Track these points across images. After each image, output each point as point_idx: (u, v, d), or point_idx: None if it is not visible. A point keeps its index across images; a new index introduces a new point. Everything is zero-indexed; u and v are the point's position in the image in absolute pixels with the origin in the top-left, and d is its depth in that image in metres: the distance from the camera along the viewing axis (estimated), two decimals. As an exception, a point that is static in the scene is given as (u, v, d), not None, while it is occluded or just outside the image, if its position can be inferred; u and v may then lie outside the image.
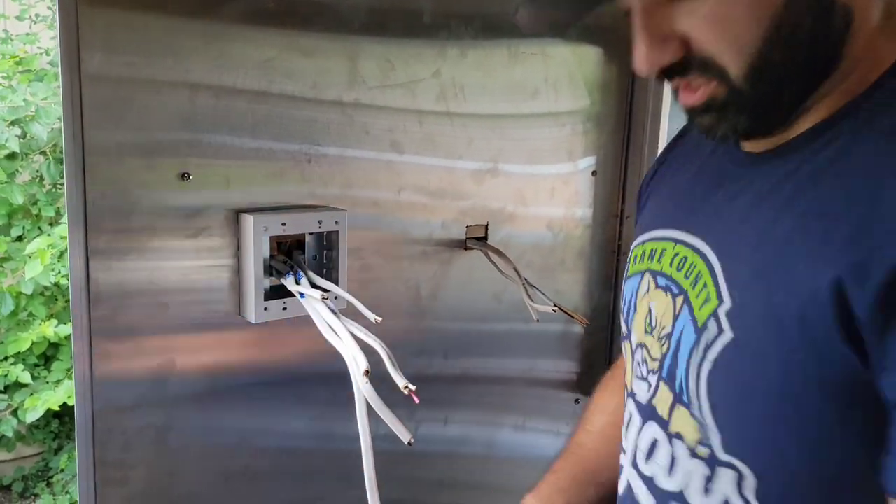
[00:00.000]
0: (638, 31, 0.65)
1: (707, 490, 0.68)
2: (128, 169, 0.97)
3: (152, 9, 0.96)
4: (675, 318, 0.71)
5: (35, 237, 3.04)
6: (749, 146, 0.71)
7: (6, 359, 3.13)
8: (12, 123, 2.92)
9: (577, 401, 1.59)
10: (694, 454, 0.68)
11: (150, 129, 0.98)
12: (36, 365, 3.29)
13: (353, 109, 1.15)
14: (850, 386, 0.56)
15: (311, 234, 1.13)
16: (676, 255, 0.74)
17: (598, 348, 1.60)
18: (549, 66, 1.37)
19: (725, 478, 0.66)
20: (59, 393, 3.01)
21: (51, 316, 3.19)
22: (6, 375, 3.09)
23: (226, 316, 1.09)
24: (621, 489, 0.83)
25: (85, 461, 0.99)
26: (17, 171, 3.14)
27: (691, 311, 0.68)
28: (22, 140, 3.01)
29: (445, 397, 1.38)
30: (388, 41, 1.17)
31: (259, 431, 1.16)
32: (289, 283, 1.06)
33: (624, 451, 0.83)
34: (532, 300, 1.28)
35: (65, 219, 3.00)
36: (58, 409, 3.06)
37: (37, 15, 3.27)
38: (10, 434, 3.20)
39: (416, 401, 0.85)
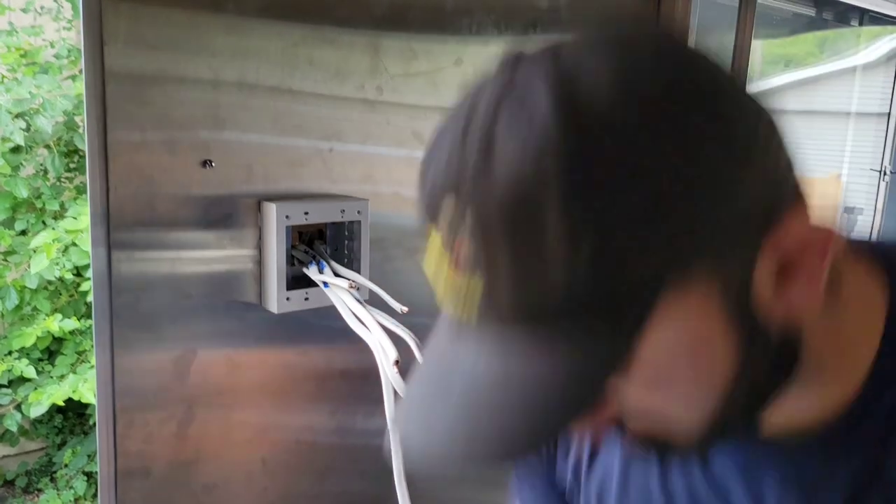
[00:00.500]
0: None
1: None
2: (150, 156, 0.96)
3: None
4: None
5: (39, 231, 3.02)
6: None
7: (10, 353, 3.11)
8: (17, 116, 2.90)
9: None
10: None
11: (173, 116, 0.97)
12: (40, 360, 3.28)
13: (375, 99, 1.14)
14: None
15: (332, 223, 1.11)
16: None
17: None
18: (569, 56, 1.35)
19: None
20: (63, 388, 2.99)
21: (55, 310, 3.17)
22: (10, 370, 3.07)
23: (247, 306, 1.07)
24: None
25: (106, 452, 0.98)
26: (22, 164, 3.11)
27: None
28: (26, 133, 2.99)
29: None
30: (410, 30, 1.16)
31: (279, 424, 1.14)
32: (312, 272, 1.04)
33: None
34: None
35: (70, 213, 2.99)
36: (62, 404, 3.04)
37: (42, 7, 3.25)
38: (13, 429, 3.18)
39: (447, 391, 0.83)
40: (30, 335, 3.00)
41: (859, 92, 2.27)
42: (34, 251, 2.89)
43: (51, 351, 3.31)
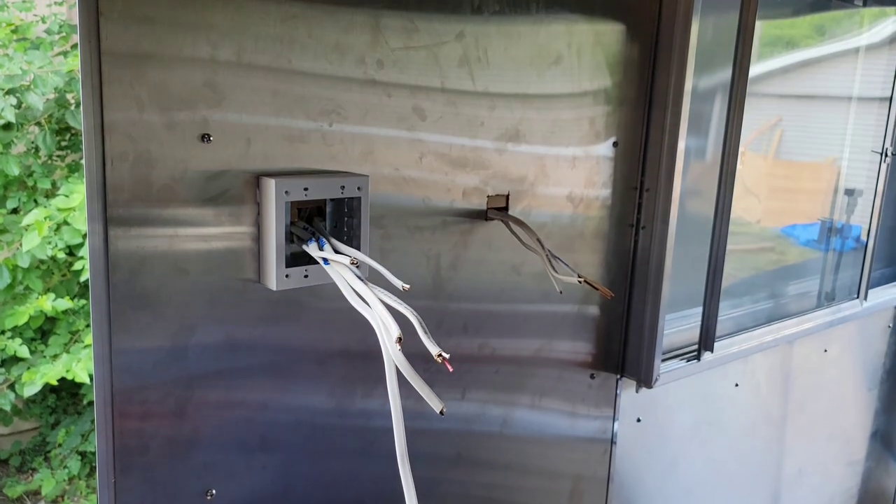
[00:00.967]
0: None
1: None
2: (146, 131, 0.94)
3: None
4: None
5: (31, 210, 2.99)
6: None
7: (3, 332, 3.09)
8: (8, 93, 2.86)
9: (592, 376, 1.58)
10: None
11: (170, 91, 0.95)
12: (33, 339, 3.26)
13: (375, 72, 1.12)
14: None
15: (332, 200, 1.10)
16: None
17: (614, 325, 1.58)
18: (572, 32, 1.33)
19: None
20: (56, 367, 2.98)
21: (48, 290, 3.15)
22: (3, 349, 3.05)
23: (246, 284, 1.06)
24: None
25: (104, 430, 0.97)
26: (13, 141, 3.08)
27: None
28: (17, 110, 2.95)
29: (464, 371, 1.36)
30: (410, 4, 1.13)
31: (277, 403, 1.13)
32: (311, 249, 1.03)
33: None
34: (556, 272, 1.25)
35: (62, 191, 2.96)
36: (55, 383, 3.03)
37: (32, -18, 3.19)
38: (7, 408, 3.17)
39: (451, 369, 0.83)
40: (22, 314, 2.98)
41: (861, 74, 2.25)
42: (26, 229, 2.87)
43: (44, 331, 3.29)
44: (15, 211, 3.19)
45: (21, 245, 2.93)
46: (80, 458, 3.39)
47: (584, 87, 1.38)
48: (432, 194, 1.23)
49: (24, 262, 2.97)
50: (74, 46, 3.17)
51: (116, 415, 0.98)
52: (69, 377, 2.99)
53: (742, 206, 2.07)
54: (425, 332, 0.84)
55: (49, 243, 2.93)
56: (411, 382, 0.81)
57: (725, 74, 1.70)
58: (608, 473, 1.68)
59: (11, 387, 3.13)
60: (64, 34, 3.19)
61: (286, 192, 1.02)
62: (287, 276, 1.04)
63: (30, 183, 3.19)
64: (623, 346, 1.61)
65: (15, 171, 3.03)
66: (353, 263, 0.96)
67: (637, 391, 1.69)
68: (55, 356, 3.13)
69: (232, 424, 1.09)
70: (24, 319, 3.01)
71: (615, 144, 1.46)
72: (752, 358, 2.01)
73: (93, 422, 3.41)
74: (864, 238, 2.32)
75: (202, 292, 1.02)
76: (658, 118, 1.48)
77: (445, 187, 1.24)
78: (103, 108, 0.89)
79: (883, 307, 2.49)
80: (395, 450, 0.82)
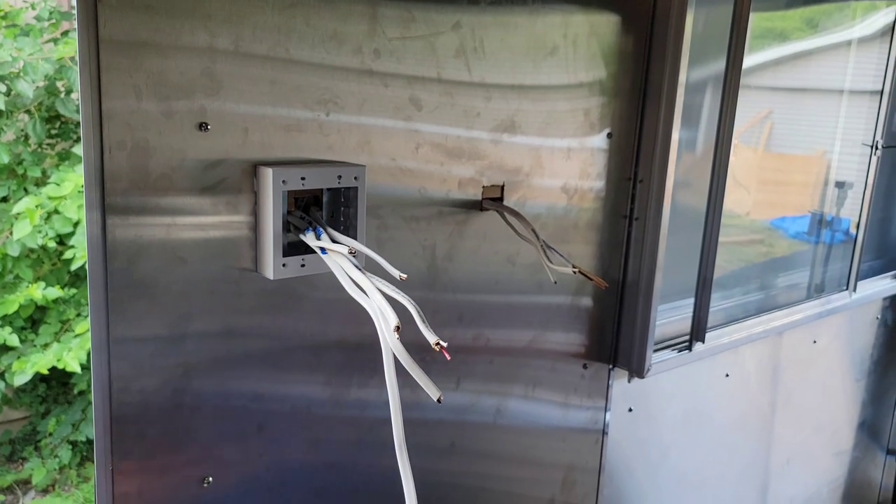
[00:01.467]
0: None
1: None
2: (145, 117, 0.94)
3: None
4: None
5: (21, 198, 2.97)
6: None
7: (-7, 321, 3.07)
8: (-3, 80, 2.84)
9: (584, 366, 1.59)
10: None
11: (168, 80, 0.94)
12: (23, 328, 3.24)
13: (372, 62, 1.12)
14: None
15: (329, 189, 1.10)
16: None
17: (607, 315, 1.59)
18: (568, 23, 1.34)
19: None
20: (47, 357, 2.97)
21: (38, 279, 3.13)
22: (-7, 338, 3.04)
23: (243, 273, 1.06)
24: None
25: (102, 419, 0.97)
26: (2, 129, 3.05)
27: None
28: (7, 98, 2.93)
29: (458, 361, 1.37)
30: (408, -8, 1.13)
31: (274, 392, 1.14)
32: (309, 238, 1.03)
33: None
34: (550, 262, 1.26)
35: (52, 179, 2.94)
36: (46, 372, 3.02)
37: (21, -33, 3.16)
38: (-3, 397, 3.16)
39: (448, 357, 0.83)
40: (12, 302, 2.97)
41: (853, 67, 2.27)
42: (16, 218, 2.85)
43: (34, 320, 3.28)
44: (4, 199, 3.17)
45: (11, 233, 2.91)
46: (70, 447, 3.39)
47: (579, 79, 1.39)
48: (428, 184, 1.23)
49: (14, 251, 2.96)
50: (65, 34, 3.15)
51: (114, 402, 0.98)
52: (60, 366, 2.98)
53: (732, 199, 2.08)
54: (423, 322, 0.85)
55: (40, 232, 2.91)
56: (409, 371, 0.82)
57: (718, 66, 1.71)
58: (600, 463, 1.69)
59: (1, 376, 3.12)
60: (54, 21, 3.16)
61: (283, 181, 1.02)
62: (284, 265, 1.05)
63: (20, 171, 3.16)
64: (615, 336, 1.62)
65: (5, 159, 3.00)
66: (350, 253, 0.97)
67: (629, 381, 1.70)
68: (45, 345, 3.12)
69: (229, 413, 1.10)
70: (14, 308, 2.99)
71: (609, 136, 1.47)
72: (742, 349, 2.03)
73: (83, 411, 3.41)
74: (853, 230, 2.34)
75: (199, 281, 1.03)
76: (652, 110, 1.49)
77: (441, 178, 1.25)
78: (101, 96, 0.89)
79: (871, 299, 2.52)
80: (392, 439, 0.83)
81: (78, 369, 2.93)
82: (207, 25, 0.96)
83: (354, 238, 1.10)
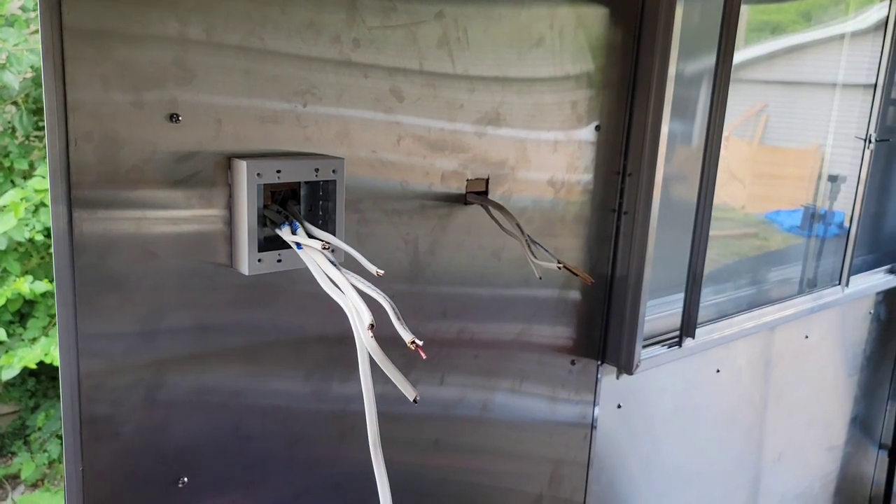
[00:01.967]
0: None
1: None
2: (113, 108, 0.91)
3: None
4: None
5: (7, 191, 2.94)
6: None
7: (-20, 315, 3.05)
8: (-18, 71, 2.80)
9: (573, 362, 1.57)
10: None
11: (137, 69, 0.92)
12: (11, 322, 3.22)
13: (351, 52, 1.09)
14: None
15: (306, 182, 1.07)
16: None
17: (595, 311, 1.57)
18: (555, 13, 1.31)
19: None
20: (35, 351, 2.94)
21: (26, 272, 3.11)
22: (-20, 332, 3.01)
23: (217, 268, 1.03)
24: None
25: (71, 417, 0.95)
26: (-11, 121, 3.02)
27: None
28: (-7, 89, 2.89)
29: (443, 356, 1.34)
30: (388, -19, 1.11)
31: (251, 389, 1.11)
32: (284, 233, 1.00)
33: None
34: (535, 257, 1.24)
35: (39, 172, 2.91)
36: (34, 367, 2.99)
37: (7, -43, 3.11)
38: (-15, 392, 3.13)
39: (424, 356, 0.81)
40: (0, 296, 2.94)
41: (847, 60, 2.24)
42: (2, 210, 2.82)
43: (22, 314, 3.25)
44: (-8, 192, 3.13)
45: (-2, 227, 2.88)
46: (59, 441, 3.36)
47: (566, 70, 1.36)
48: (410, 178, 1.21)
49: (0, 245, 2.93)
50: (52, 24, 3.10)
51: (84, 401, 0.95)
52: (48, 361, 2.95)
53: (727, 192, 2.06)
54: (398, 319, 0.82)
55: (27, 225, 2.88)
56: (384, 369, 0.80)
57: (711, 59, 1.68)
58: (588, 458, 1.67)
59: (-11, 370, 3.09)
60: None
61: (258, 174, 1.00)
62: (260, 260, 1.02)
63: (6, 164, 3.13)
64: (604, 331, 1.60)
65: (-9, 151, 2.97)
66: (326, 248, 0.94)
67: (618, 377, 1.68)
68: (34, 339, 3.09)
69: (205, 410, 1.07)
70: (2, 302, 2.97)
71: (597, 128, 1.44)
72: (733, 344, 2.01)
73: (73, 406, 3.39)
74: (846, 224, 2.33)
75: (172, 276, 1.00)
76: (641, 102, 1.46)
77: (424, 171, 1.22)
78: (66, 86, 0.86)
79: (864, 294, 2.50)
80: (368, 435, 0.81)
81: (66, 364, 2.90)
82: (177, 13, 0.93)
83: (333, 233, 1.07)
